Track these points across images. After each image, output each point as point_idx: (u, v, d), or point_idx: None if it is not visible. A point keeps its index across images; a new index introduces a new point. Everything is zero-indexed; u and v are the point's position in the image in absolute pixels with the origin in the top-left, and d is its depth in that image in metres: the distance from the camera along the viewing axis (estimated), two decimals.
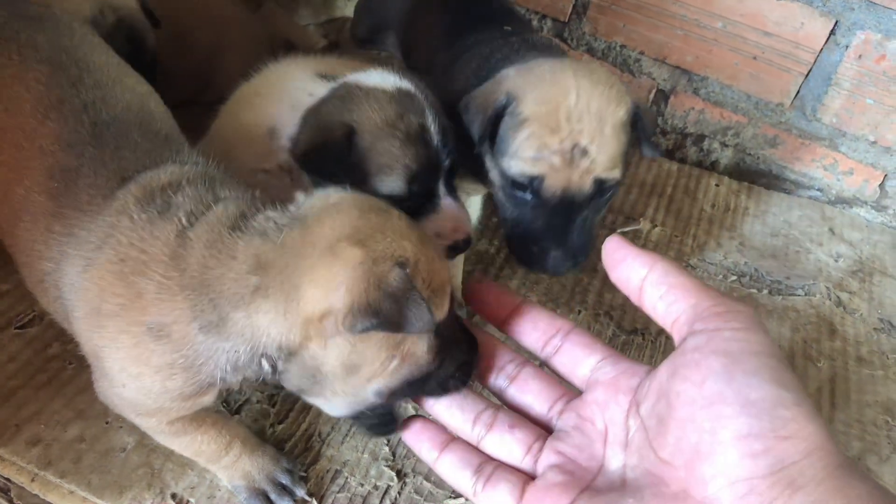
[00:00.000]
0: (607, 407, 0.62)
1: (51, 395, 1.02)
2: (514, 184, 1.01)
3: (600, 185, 0.98)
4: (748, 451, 0.47)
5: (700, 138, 1.84)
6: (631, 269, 0.59)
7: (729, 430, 0.48)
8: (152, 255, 0.72)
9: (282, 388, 1.08)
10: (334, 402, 0.76)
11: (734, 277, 1.48)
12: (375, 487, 0.99)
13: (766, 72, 1.69)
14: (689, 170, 1.81)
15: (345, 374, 0.71)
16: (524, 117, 0.98)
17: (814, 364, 1.31)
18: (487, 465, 0.66)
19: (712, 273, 1.48)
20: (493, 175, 1.05)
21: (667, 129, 1.86)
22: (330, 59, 1.17)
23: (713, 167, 1.85)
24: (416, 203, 0.94)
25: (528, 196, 1.00)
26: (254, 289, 0.68)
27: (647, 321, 1.32)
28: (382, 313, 0.65)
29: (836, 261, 1.58)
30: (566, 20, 1.82)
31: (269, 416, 1.07)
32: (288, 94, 1.01)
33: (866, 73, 1.60)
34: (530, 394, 0.70)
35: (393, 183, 0.92)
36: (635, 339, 1.29)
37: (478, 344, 0.75)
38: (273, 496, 0.94)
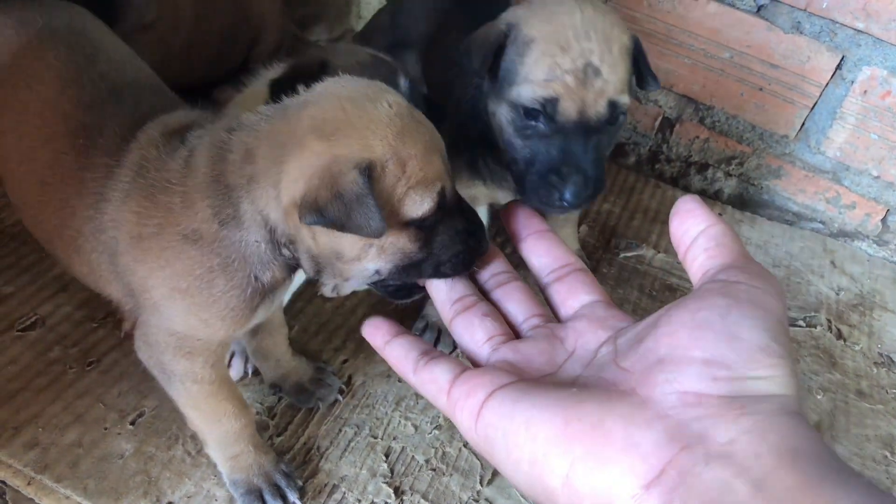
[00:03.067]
0: (583, 335, 0.61)
1: (50, 399, 1.02)
2: (527, 112, 0.98)
3: (613, 109, 0.97)
4: (712, 374, 0.46)
5: (704, 167, 1.85)
6: (695, 219, 0.57)
7: (703, 351, 0.47)
8: (170, 170, 0.80)
9: (280, 397, 1.09)
10: (343, 279, 0.80)
11: None
12: None
13: (772, 103, 1.70)
14: None
15: (334, 258, 0.76)
16: (530, 38, 0.96)
17: (813, 396, 1.31)
18: (434, 351, 0.64)
19: None
20: (501, 114, 1.02)
21: (671, 157, 1.87)
22: None
23: (716, 196, 1.86)
24: None
25: (542, 124, 0.98)
26: (248, 178, 0.74)
27: None
28: (326, 212, 0.68)
29: (838, 293, 1.59)
30: None
31: (268, 427, 1.06)
32: None
33: (871, 109, 1.62)
34: (512, 302, 0.69)
35: None
36: None
37: (485, 235, 0.77)
38: (267, 496, 0.95)
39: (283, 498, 0.96)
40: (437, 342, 1.24)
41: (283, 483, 0.96)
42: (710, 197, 1.85)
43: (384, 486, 1.01)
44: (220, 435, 0.93)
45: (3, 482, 0.94)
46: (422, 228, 0.74)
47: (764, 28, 1.63)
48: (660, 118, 1.85)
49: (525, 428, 0.50)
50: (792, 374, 0.47)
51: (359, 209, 0.68)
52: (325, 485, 1.00)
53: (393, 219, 0.72)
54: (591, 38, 0.94)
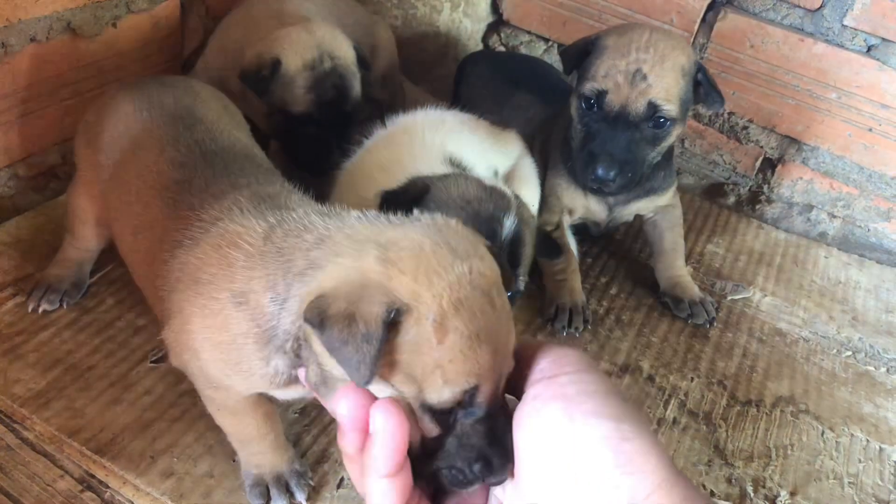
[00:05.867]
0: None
1: (183, 430, 1.06)
2: (585, 100, 1.27)
3: (653, 110, 1.22)
4: (600, 487, 0.48)
5: (807, 208, 1.81)
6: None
7: (579, 473, 0.49)
8: (249, 228, 0.79)
9: None
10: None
11: (849, 353, 1.44)
12: None
13: (882, 144, 1.66)
14: (797, 240, 1.77)
15: (332, 382, 0.70)
16: (605, 47, 1.26)
17: None
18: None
19: (825, 347, 1.44)
20: (573, 104, 1.31)
21: (773, 198, 1.84)
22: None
23: (820, 238, 1.81)
24: None
25: (594, 112, 1.26)
26: (310, 263, 0.68)
27: (762, 391, 1.29)
28: (327, 324, 0.60)
29: None
30: None
31: None
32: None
33: None
34: None
35: None
36: (749, 409, 1.26)
37: (503, 470, 0.61)
38: (273, 492, 0.98)
39: (291, 495, 0.99)
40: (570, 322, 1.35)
41: (293, 482, 1.00)
42: (814, 238, 1.80)
43: None
44: (242, 438, 0.97)
45: None
46: (433, 417, 0.63)
47: (874, 68, 1.60)
48: (760, 158, 1.82)
49: None
50: (653, 446, 0.49)
51: (359, 345, 0.58)
52: None
53: (410, 387, 0.61)
54: (648, 52, 1.21)
